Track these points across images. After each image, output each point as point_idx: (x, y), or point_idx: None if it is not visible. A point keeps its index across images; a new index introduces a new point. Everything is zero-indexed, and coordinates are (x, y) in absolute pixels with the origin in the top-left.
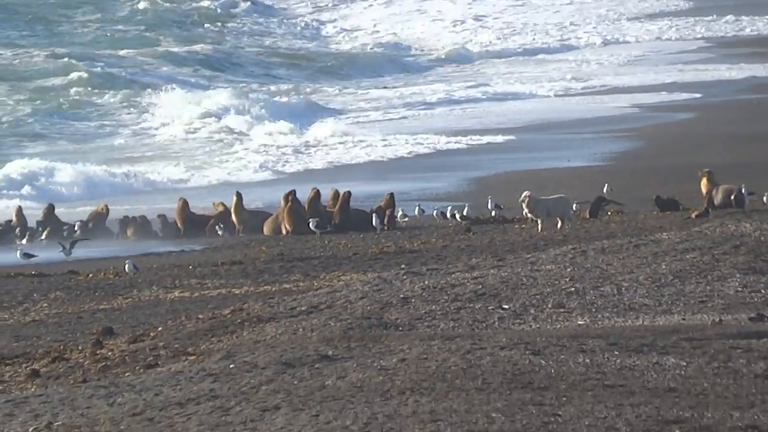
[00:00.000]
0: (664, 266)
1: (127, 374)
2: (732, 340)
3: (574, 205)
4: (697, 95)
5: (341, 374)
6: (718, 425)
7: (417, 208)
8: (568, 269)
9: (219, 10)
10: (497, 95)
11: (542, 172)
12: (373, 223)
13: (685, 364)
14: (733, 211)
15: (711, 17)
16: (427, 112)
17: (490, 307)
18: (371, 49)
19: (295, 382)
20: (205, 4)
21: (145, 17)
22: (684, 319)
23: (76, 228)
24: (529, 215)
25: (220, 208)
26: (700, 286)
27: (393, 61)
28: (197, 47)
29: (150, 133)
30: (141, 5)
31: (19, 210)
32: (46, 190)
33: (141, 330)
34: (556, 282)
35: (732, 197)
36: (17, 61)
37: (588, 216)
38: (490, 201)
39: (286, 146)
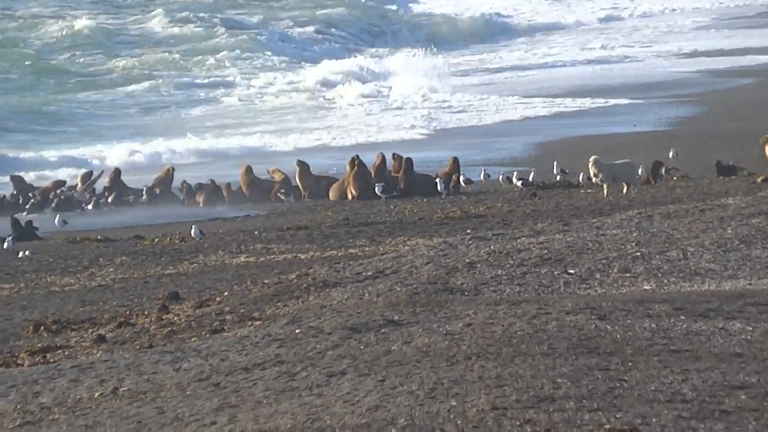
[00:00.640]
0: (729, 231)
1: (192, 339)
2: None
3: (640, 170)
4: (763, 60)
5: (407, 339)
6: None
7: (482, 173)
8: (634, 234)
9: None
10: (571, 62)
11: (608, 138)
12: (438, 188)
13: (751, 329)
14: None
15: None
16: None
17: (555, 272)
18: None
19: (361, 348)
20: None
21: None
22: (750, 284)
23: (143, 193)
24: (594, 179)
25: (277, 175)
26: (767, 251)
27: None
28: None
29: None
30: None
31: (86, 175)
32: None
33: (207, 295)
34: (622, 247)
35: None
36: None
37: (648, 181)
38: (555, 166)
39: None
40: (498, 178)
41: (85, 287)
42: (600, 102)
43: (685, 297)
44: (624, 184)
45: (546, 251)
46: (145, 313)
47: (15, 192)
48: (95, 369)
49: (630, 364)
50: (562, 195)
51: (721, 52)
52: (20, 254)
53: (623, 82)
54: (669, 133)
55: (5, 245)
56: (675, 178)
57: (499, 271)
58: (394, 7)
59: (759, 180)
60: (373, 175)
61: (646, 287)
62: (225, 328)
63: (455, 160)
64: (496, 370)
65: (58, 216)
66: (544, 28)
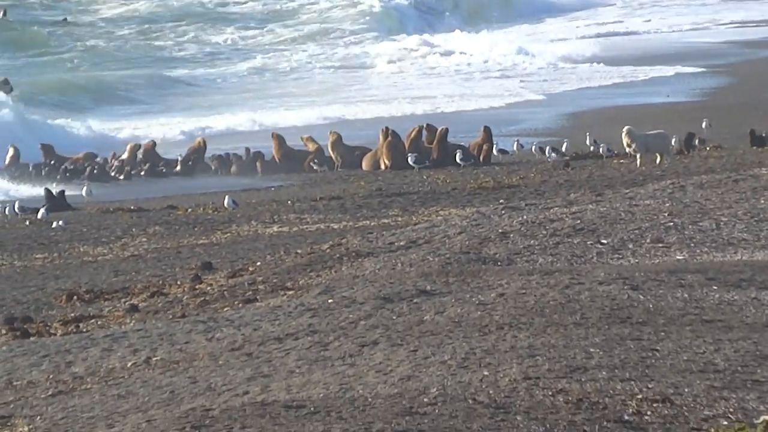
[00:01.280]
0: (763, 201)
1: (225, 309)
2: None
3: (673, 140)
4: None
5: (439, 309)
6: None
7: (515, 143)
8: (667, 204)
9: None
10: (613, 32)
11: (641, 108)
12: (457, 159)
13: None
14: None
15: None
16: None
17: (588, 242)
18: None
19: (394, 317)
20: None
21: None
22: None
23: (178, 165)
24: (628, 150)
25: (311, 145)
26: None
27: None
28: None
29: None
30: None
31: (134, 147)
32: None
33: (240, 265)
34: (655, 217)
35: None
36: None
37: (681, 151)
38: (588, 137)
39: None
40: (531, 149)
41: (118, 257)
42: (632, 73)
43: (718, 267)
44: (657, 154)
45: (579, 221)
46: (178, 282)
47: (45, 161)
48: (128, 338)
49: (662, 334)
50: (595, 165)
51: (757, 22)
52: (54, 224)
53: (656, 53)
54: (702, 103)
55: (39, 215)
56: (708, 149)
57: (532, 241)
58: None
59: None
60: (407, 145)
61: (678, 257)
62: (258, 298)
63: (486, 129)
64: (528, 340)
65: (86, 186)
66: (591, 5)
